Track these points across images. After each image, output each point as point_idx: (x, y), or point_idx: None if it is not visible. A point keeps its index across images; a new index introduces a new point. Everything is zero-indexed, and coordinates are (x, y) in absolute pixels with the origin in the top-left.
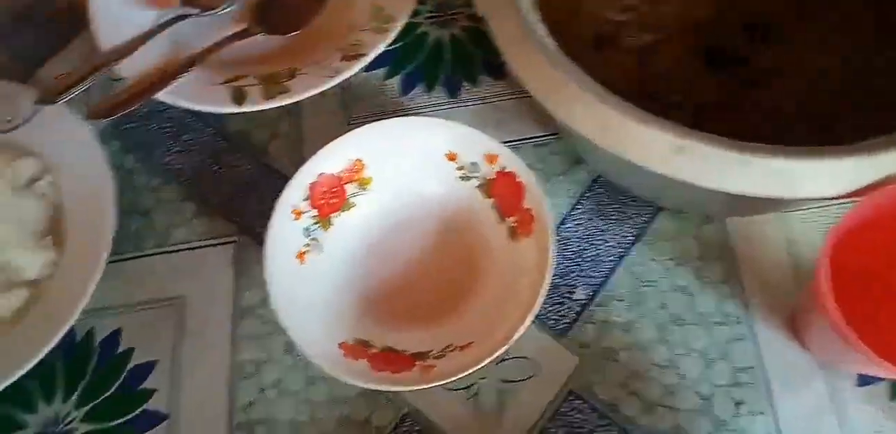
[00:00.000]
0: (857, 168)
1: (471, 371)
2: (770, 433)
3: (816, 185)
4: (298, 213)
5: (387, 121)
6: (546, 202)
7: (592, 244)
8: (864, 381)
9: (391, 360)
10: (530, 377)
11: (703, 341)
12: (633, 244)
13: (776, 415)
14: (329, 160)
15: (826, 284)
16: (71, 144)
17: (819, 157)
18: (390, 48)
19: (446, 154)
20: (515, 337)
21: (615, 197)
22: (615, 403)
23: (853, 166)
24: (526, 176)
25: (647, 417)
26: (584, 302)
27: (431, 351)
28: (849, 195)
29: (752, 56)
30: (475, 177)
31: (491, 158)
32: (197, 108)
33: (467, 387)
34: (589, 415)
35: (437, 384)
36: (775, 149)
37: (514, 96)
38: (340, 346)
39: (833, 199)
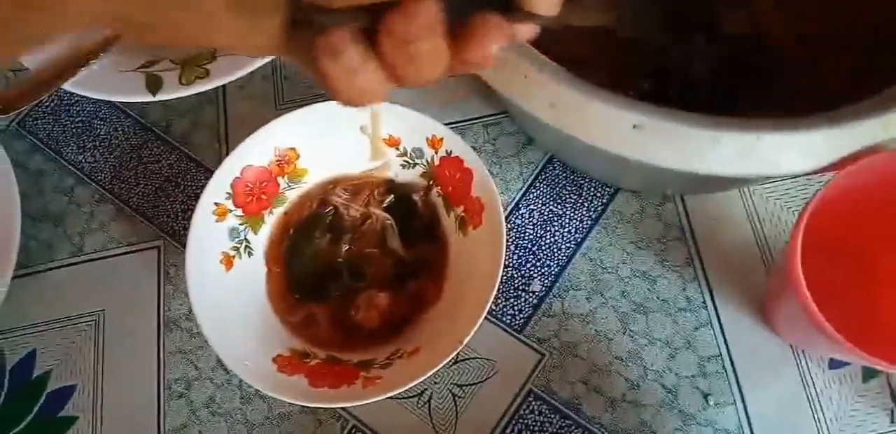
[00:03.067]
0: (832, 140)
1: (417, 382)
2: (741, 424)
3: (791, 160)
4: (223, 213)
5: (318, 105)
6: (496, 189)
7: (548, 231)
8: (837, 364)
9: (332, 371)
10: (487, 379)
11: (668, 330)
12: (591, 228)
13: (746, 404)
14: (255, 151)
15: (799, 271)
16: None
17: (793, 128)
18: None
19: (386, 139)
20: (466, 340)
21: (571, 178)
22: (577, 402)
23: (828, 138)
24: (473, 162)
25: (611, 415)
26: (541, 294)
27: (376, 359)
28: (824, 169)
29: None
30: (419, 163)
31: (434, 143)
32: (107, 98)
33: (419, 394)
34: (550, 416)
35: (381, 398)
36: (745, 122)
37: (459, 74)
38: (275, 359)
39: (809, 174)
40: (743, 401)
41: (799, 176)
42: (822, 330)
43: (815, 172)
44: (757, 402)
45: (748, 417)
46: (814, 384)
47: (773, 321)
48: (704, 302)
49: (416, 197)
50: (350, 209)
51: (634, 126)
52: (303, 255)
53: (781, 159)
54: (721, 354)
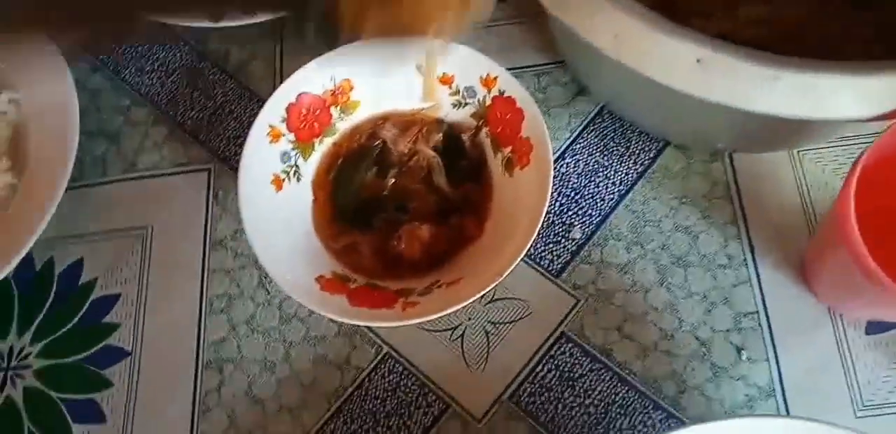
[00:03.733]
0: (893, 85)
1: (454, 309)
2: (772, 381)
3: (847, 103)
4: (276, 136)
5: (377, 39)
6: (546, 130)
7: (592, 181)
8: (874, 329)
9: (372, 296)
10: (521, 319)
11: (706, 284)
12: (636, 181)
13: (779, 362)
14: (311, 79)
15: (850, 211)
16: (33, 60)
17: (852, 72)
18: None
19: (440, 77)
20: (506, 273)
21: (619, 130)
22: (609, 347)
23: (890, 83)
24: (526, 102)
25: (642, 362)
26: (581, 241)
27: (416, 288)
28: (882, 117)
29: None
30: (470, 103)
31: (488, 82)
32: (171, 21)
33: (453, 328)
34: (580, 359)
35: (417, 321)
36: (806, 62)
37: (514, 22)
38: (318, 279)
39: (865, 120)
40: (776, 358)
41: (855, 121)
42: (869, 275)
43: (873, 119)
44: (790, 361)
45: (780, 375)
46: (849, 348)
47: (813, 282)
48: (745, 260)
49: (464, 137)
50: (398, 144)
51: (698, 60)
52: (349, 185)
53: (839, 102)
54: (758, 312)
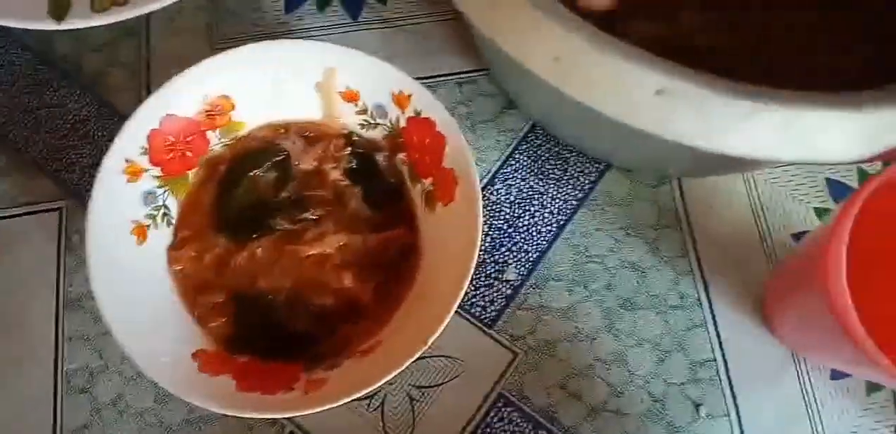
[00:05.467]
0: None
1: (371, 389)
2: None
3: (838, 143)
4: (135, 172)
5: (262, 44)
6: (473, 160)
7: (527, 210)
8: (839, 374)
9: (267, 371)
10: (451, 380)
11: (657, 329)
12: (575, 210)
13: (740, 416)
14: (179, 98)
15: (839, 264)
16: None
17: (844, 106)
18: None
19: (343, 93)
20: (431, 340)
21: (555, 150)
22: (553, 409)
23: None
24: (447, 125)
25: (591, 425)
26: (516, 283)
27: (320, 353)
28: (875, 158)
29: None
30: (382, 124)
31: (401, 100)
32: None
33: (370, 397)
34: (521, 425)
35: (324, 408)
36: (789, 95)
37: (433, 18)
38: (195, 355)
39: (857, 162)
40: (737, 412)
41: (847, 163)
42: (860, 347)
43: (866, 161)
44: (753, 414)
45: (742, 431)
46: (815, 396)
47: (775, 324)
48: (699, 299)
49: (378, 157)
50: (303, 160)
51: (658, 91)
52: (237, 185)
53: (828, 143)
54: (715, 359)
